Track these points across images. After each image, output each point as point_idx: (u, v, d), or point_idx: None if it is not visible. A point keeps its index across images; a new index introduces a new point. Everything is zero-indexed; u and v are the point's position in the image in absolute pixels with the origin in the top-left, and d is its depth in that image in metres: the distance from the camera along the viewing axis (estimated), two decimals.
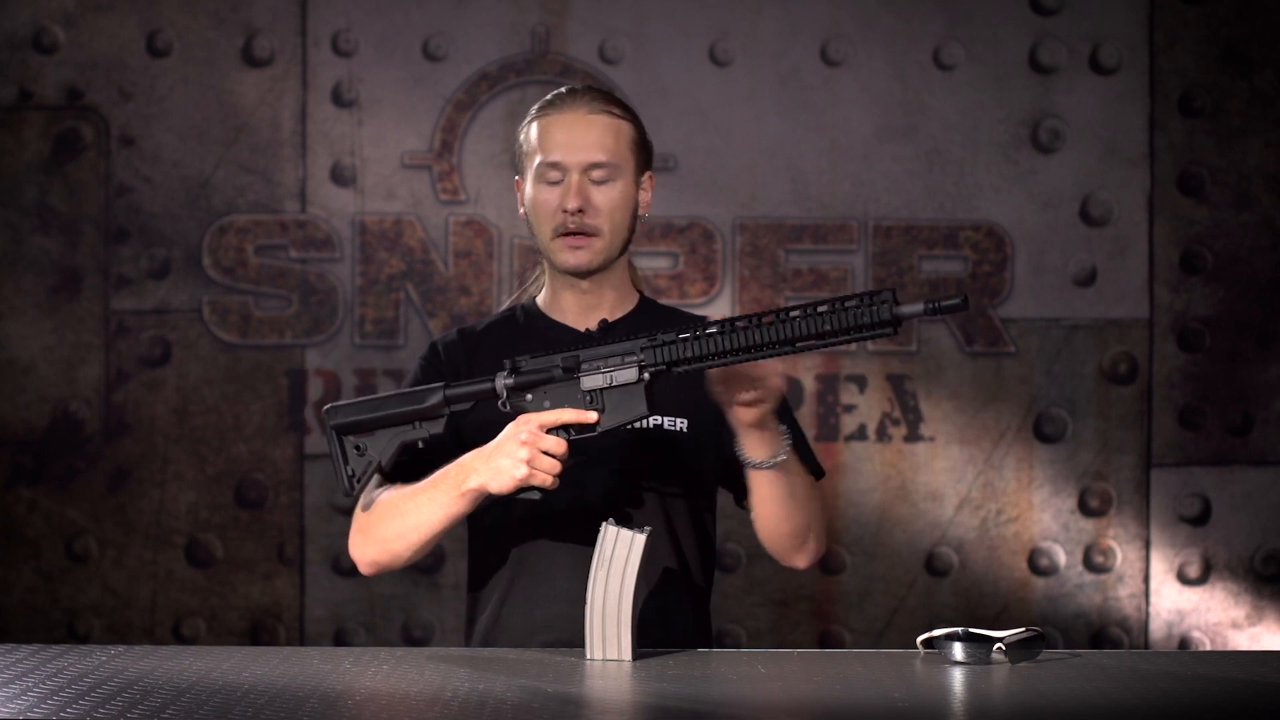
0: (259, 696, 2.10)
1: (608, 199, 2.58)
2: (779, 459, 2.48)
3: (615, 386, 2.39)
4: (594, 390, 2.40)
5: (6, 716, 1.97)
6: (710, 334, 2.33)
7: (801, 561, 2.61)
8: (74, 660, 2.35)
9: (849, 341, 2.26)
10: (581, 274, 2.61)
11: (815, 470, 2.62)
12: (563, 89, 2.64)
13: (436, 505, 2.48)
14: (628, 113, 2.63)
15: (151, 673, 2.26)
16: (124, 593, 4.47)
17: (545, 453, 2.39)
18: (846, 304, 2.24)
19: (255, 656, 2.41)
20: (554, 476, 2.39)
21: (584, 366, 2.41)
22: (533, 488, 2.40)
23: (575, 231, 2.57)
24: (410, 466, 2.54)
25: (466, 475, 2.45)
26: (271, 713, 2.00)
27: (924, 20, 4.49)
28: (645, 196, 2.63)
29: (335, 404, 2.54)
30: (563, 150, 2.57)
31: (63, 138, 4.47)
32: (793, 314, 2.27)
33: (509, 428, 2.42)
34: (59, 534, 4.47)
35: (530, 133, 2.61)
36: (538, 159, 2.58)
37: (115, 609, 4.48)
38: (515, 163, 2.65)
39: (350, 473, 2.51)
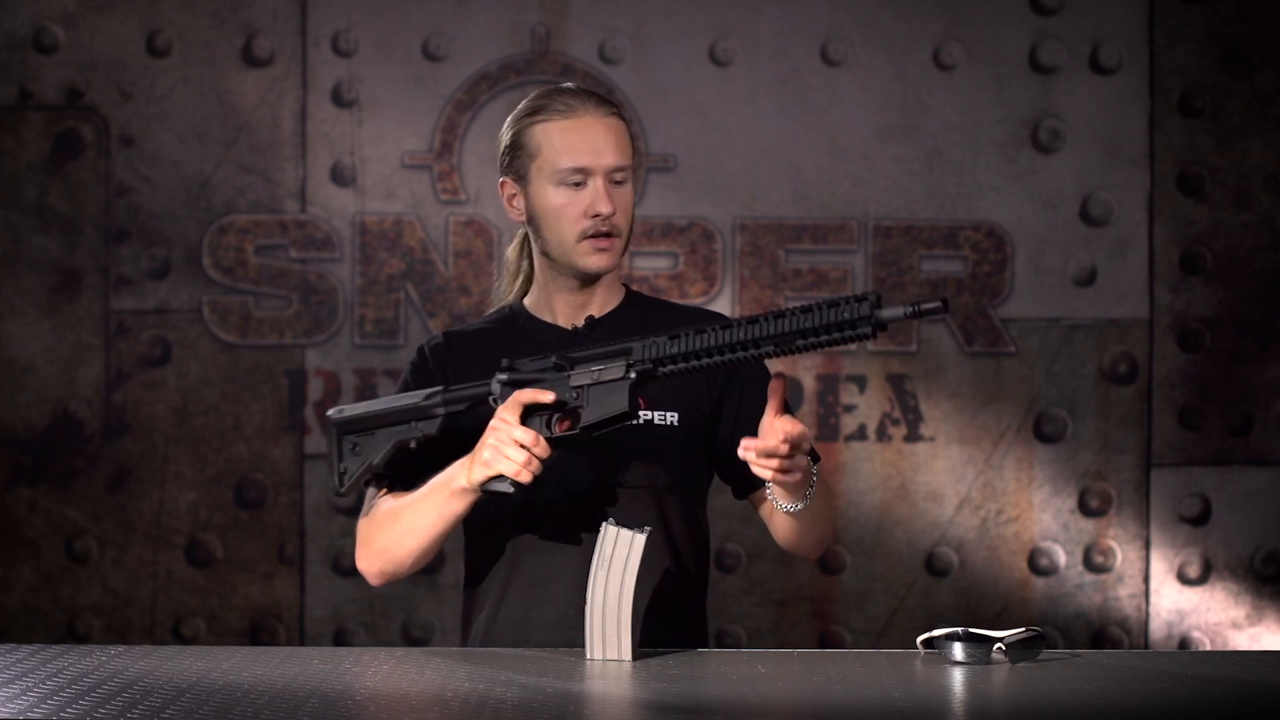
0: (259, 696, 2.10)
1: (626, 199, 2.60)
2: (809, 500, 2.48)
3: (601, 383, 2.41)
4: (580, 386, 2.42)
5: (6, 716, 1.97)
6: (694, 334, 2.34)
7: (817, 555, 2.69)
8: (74, 660, 2.35)
9: (834, 343, 2.25)
10: (603, 274, 2.61)
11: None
12: (557, 89, 2.62)
13: (430, 506, 2.50)
14: (621, 111, 2.64)
15: (151, 673, 2.26)
16: (124, 593, 4.47)
17: (518, 443, 2.39)
18: (829, 305, 2.25)
19: (255, 656, 2.41)
20: (525, 469, 2.39)
21: (577, 366, 2.43)
22: (502, 477, 2.41)
23: (605, 233, 2.58)
24: (409, 473, 2.55)
25: (457, 473, 2.47)
26: (271, 713, 2.00)
27: (924, 20, 4.49)
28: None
29: (341, 407, 2.59)
30: (588, 155, 2.57)
31: (63, 138, 4.47)
32: (779, 315, 2.28)
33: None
34: (59, 534, 4.47)
35: (536, 135, 2.58)
36: (557, 163, 2.57)
37: (115, 609, 4.48)
38: (506, 164, 2.63)
39: (343, 469, 2.56)
